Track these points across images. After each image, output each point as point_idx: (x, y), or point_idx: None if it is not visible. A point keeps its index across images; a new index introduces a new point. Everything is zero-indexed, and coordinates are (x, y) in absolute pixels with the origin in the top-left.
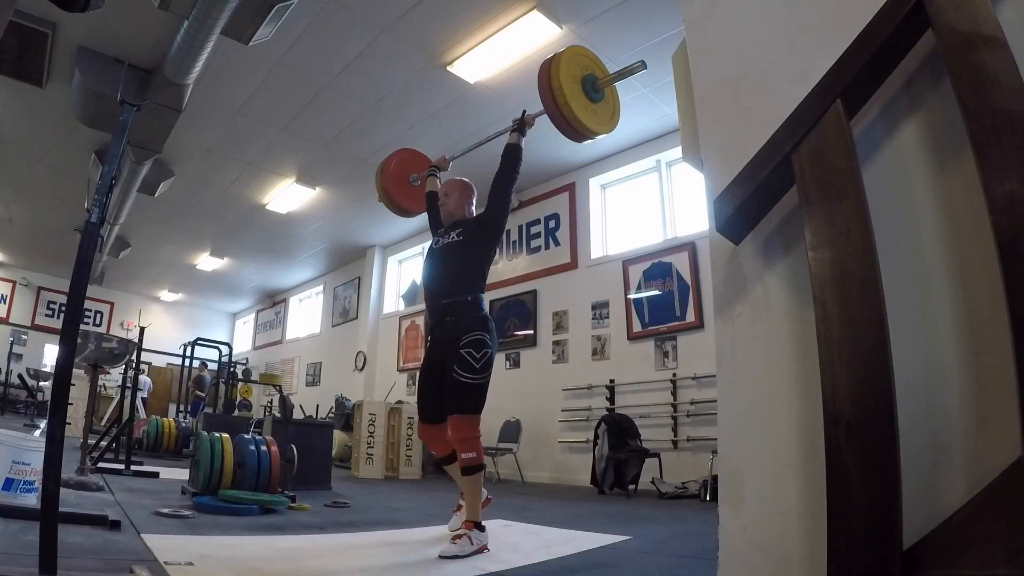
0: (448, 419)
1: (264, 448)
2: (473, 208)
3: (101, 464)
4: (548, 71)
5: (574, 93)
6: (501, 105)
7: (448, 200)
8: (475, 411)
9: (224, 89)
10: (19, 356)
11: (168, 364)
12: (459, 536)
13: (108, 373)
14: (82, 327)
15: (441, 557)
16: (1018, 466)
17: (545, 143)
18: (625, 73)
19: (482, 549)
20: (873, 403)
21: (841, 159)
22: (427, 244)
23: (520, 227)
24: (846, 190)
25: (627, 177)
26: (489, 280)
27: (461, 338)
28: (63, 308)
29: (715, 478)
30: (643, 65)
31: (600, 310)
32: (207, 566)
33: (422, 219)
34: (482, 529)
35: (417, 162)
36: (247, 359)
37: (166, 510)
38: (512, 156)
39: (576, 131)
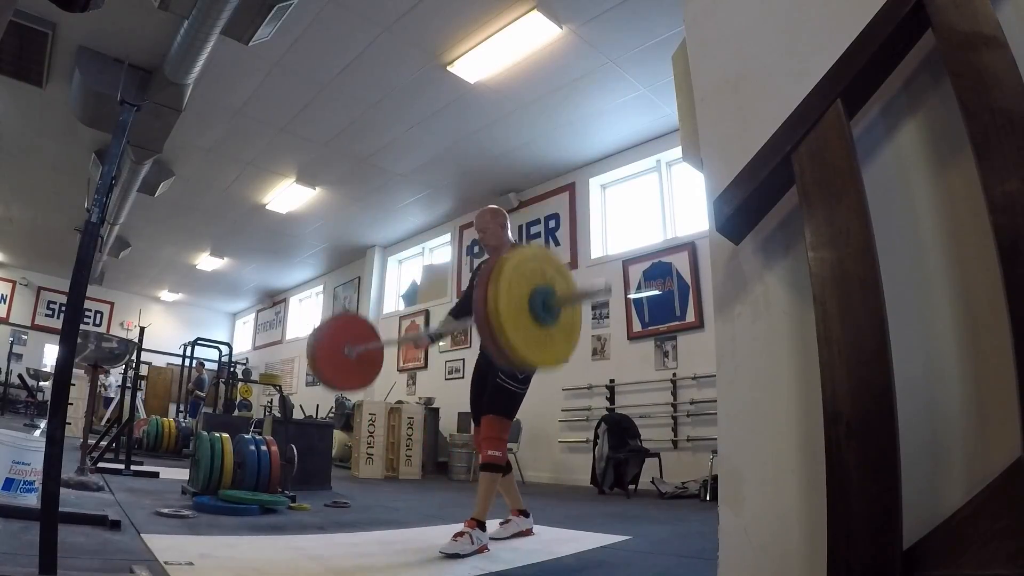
0: (484, 417)
1: (264, 448)
2: (509, 234)
3: (101, 464)
4: (485, 284)
5: (514, 314)
6: (501, 105)
7: (487, 236)
8: (507, 415)
9: (224, 89)
10: (19, 356)
11: (168, 364)
12: (461, 534)
13: (108, 373)
14: (82, 327)
15: (441, 553)
16: (1018, 466)
17: (545, 142)
18: (590, 295)
19: (482, 549)
20: (873, 403)
21: (841, 159)
22: (427, 244)
23: (520, 227)
24: (846, 190)
25: (627, 177)
26: None
27: None
28: (63, 308)
29: (715, 478)
30: (608, 292)
31: (600, 310)
32: (207, 566)
33: (421, 218)
34: (484, 529)
35: (353, 331)
36: (247, 359)
37: (166, 510)
38: None
39: (510, 361)
